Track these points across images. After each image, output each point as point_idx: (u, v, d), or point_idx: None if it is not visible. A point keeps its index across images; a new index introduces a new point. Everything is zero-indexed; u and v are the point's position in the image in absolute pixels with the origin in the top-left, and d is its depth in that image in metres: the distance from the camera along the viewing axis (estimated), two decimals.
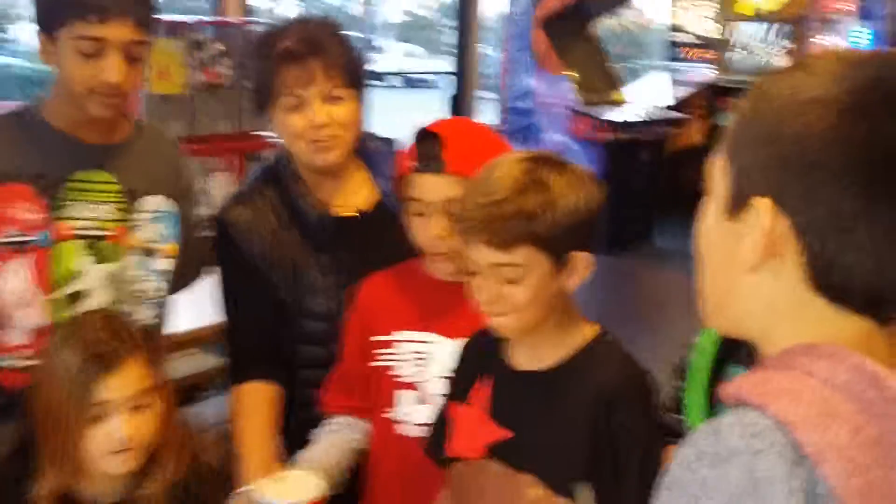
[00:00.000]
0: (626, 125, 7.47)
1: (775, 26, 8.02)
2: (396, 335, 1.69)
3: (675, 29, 8.90)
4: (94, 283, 1.79)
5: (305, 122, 1.73)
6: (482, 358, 1.50)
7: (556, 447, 1.37)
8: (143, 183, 1.84)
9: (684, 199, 2.47)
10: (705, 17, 8.55)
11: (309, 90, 1.72)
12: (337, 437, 1.74)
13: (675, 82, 8.64)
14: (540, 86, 7.84)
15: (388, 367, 1.69)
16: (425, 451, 1.58)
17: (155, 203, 1.86)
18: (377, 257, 1.76)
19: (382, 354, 1.69)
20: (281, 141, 1.84)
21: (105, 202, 1.79)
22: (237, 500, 1.63)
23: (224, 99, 3.82)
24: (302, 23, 1.83)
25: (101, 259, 1.80)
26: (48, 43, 1.70)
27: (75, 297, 1.78)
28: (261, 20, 4.32)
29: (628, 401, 1.37)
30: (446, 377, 1.59)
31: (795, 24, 7.83)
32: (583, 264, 1.39)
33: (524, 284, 1.35)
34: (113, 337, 1.60)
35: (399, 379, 1.68)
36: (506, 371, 1.46)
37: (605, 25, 8.64)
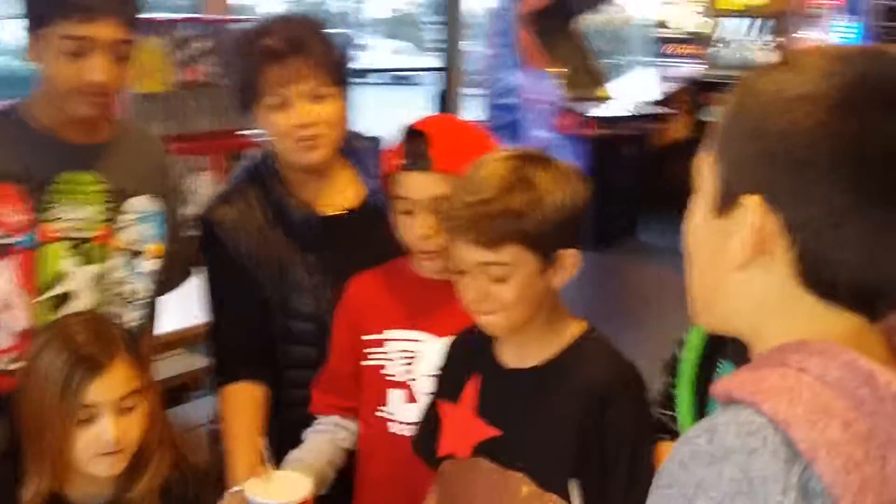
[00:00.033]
0: (611, 121, 7.46)
1: (759, 21, 8.03)
2: (386, 334, 1.69)
3: (660, 25, 8.91)
4: (80, 284, 1.78)
5: (290, 121, 1.72)
6: (470, 356, 1.50)
7: (544, 444, 1.38)
8: (129, 183, 1.83)
9: (669, 194, 2.48)
10: (690, 12, 8.56)
11: (293, 89, 1.71)
12: (325, 437, 1.74)
13: (660, 78, 8.65)
14: (525, 82, 7.84)
15: (378, 366, 1.68)
16: (413, 448, 1.58)
17: (141, 203, 1.85)
18: (364, 256, 1.75)
19: (372, 353, 1.69)
20: (266, 139, 1.84)
21: (91, 203, 1.78)
22: (226, 500, 1.63)
23: (209, 97, 3.80)
24: (284, 21, 1.82)
25: (87, 260, 1.79)
26: (35, 41, 1.69)
27: (61, 299, 1.77)
28: (245, 17, 4.29)
29: (617, 397, 1.37)
30: (435, 375, 1.59)
31: (780, 18, 7.84)
32: (570, 261, 1.39)
33: (512, 283, 1.35)
34: (98, 339, 1.59)
35: (390, 378, 1.68)
36: (494, 369, 1.46)
37: (589, 21, 8.63)
